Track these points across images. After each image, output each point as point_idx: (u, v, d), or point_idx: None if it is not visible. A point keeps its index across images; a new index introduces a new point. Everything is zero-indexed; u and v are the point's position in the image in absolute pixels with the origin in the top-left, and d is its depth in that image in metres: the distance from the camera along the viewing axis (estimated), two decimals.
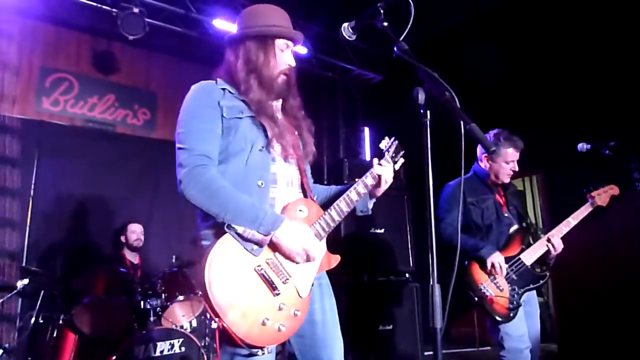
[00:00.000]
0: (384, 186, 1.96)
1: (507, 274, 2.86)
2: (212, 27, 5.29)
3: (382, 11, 1.55)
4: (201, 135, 1.65)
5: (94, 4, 4.86)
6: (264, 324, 1.50)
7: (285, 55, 1.83)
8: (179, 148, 1.67)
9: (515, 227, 3.02)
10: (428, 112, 1.34)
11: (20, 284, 3.73)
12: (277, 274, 1.59)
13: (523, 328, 2.82)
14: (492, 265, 2.79)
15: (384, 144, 2.03)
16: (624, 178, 3.32)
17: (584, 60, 4.98)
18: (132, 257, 4.68)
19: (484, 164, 3.11)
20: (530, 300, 3.01)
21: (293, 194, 1.77)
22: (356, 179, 1.96)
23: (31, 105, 5.14)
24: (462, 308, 2.60)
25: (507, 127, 3.57)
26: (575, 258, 5.07)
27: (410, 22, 1.50)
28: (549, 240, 2.96)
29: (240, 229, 1.53)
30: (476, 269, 2.85)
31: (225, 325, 1.44)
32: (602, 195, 3.11)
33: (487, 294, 2.78)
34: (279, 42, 1.82)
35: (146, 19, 4.87)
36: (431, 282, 1.34)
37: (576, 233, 5.17)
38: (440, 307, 1.33)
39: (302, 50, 5.30)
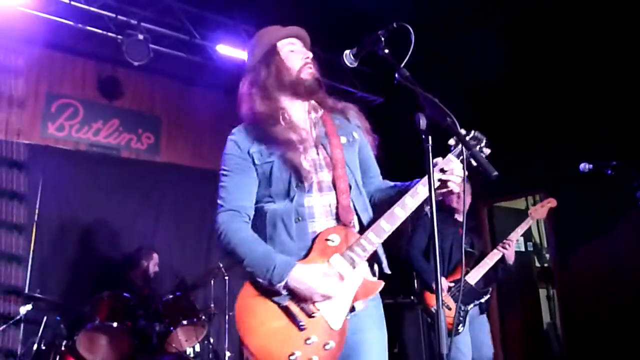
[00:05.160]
0: (453, 187, 1.60)
1: (455, 294, 3.31)
2: (216, 52, 5.36)
3: (382, 39, 1.57)
4: (232, 190, 1.75)
5: (100, 31, 4.95)
6: (290, 358, 1.52)
7: (296, 54, 1.83)
8: (218, 196, 1.77)
9: (468, 250, 3.50)
10: (430, 137, 1.35)
11: (23, 310, 3.72)
12: (302, 309, 1.59)
13: (467, 342, 3.29)
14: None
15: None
16: (627, 197, 3.32)
17: (587, 80, 5.00)
18: (140, 281, 4.66)
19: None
20: (475, 320, 3.43)
21: (336, 222, 1.72)
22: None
23: (37, 131, 5.19)
24: None
25: (510, 147, 3.65)
26: (582, 278, 5.05)
27: (411, 49, 1.52)
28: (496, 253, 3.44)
29: (259, 280, 1.60)
30: (428, 295, 3.34)
31: (252, 358, 1.52)
32: (539, 210, 3.53)
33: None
34: (283, 46, 1.83)
35: (150, 45, 4.95)
36: (436, 307, 1.33)
37: (583, 253, 5.16)
38: (446, 332, 1.32)
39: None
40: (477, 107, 5.27)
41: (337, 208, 1.72)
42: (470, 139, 1.68)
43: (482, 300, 3.43)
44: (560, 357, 5.88)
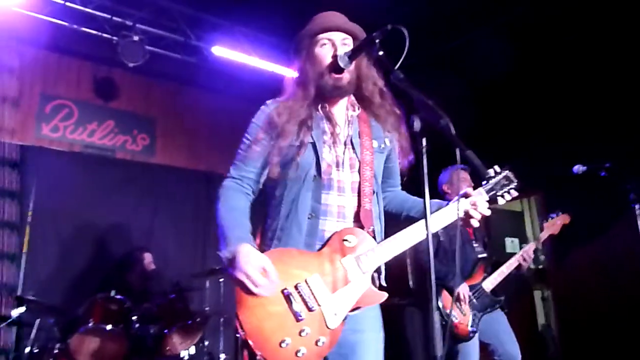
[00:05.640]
0: (473, 222, 1.73)
1: (470, 300, 3.26)
2: (211, 54, 5.35)
3: (377, 41, 1.56)
4: (246, 160, 1.77)
5: (95, 32, 4.94)
6: (281, 345, 1.52)
7: (327, 52, 1.75)
8: (232, 162, 1.80)
9: (481, 256, 3.39)
10: (424, 139, 1.35)
11: (15, 312, 3.68)
12: (304, 300, 1.58)
13: (477, 347, 3.24)
14: (458, 295, 3.21)
15: (491, 171, 1.81)
16: (621, 199, 3.33)
17: (586, 81, 5.02)
18: (137, 282, 4.63)
19: (448, 195, 3.40)
20: (489, 317, 3.35)
21: (346, 226, 1.72)
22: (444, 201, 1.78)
23: (31, 132, 5.16)
24: None
25: (506, 149, 3.63)
26: (577, 279, 5.07)
27: (405, 52, 1.51)
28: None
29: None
30: (445, 296, 3.23)
31: (243, 333, 1.52)
32: (554, 225, 3.45)
33: (454, 319, 3.16)
34: (319, 40, 1.76)
35: (146, 47, 4.94)
36: (431, 310, 1.33)
37: (577, 255, 5.17)
38: (441, 334, 1.32)
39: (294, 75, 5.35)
40: (477, 106, 5.28)
41: (357, 212, 1.73)
42: (503, 178, 1.80)
43: (494, 309, 3.36)
44: (555, 359, 5.89)
